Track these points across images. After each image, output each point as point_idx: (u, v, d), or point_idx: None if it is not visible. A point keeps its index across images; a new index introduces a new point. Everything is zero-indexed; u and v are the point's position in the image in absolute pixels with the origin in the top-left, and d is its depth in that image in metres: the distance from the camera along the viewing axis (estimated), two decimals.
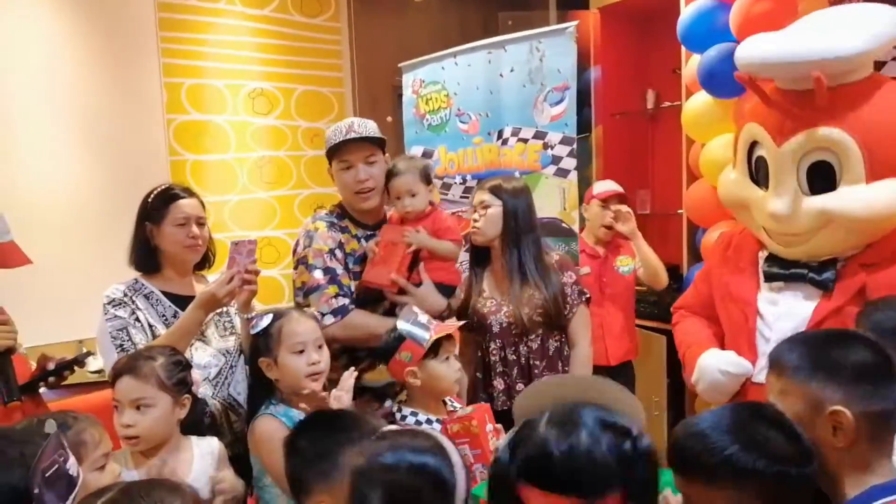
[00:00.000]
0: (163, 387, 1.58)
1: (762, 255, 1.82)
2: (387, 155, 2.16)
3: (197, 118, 3.59)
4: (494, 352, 2.09)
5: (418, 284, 2.08)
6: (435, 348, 1.76)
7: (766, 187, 1.75)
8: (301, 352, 1.70)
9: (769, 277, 1.77)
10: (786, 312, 1.73)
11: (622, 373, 2.87)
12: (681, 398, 3.11)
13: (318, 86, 4.00)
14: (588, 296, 2.18)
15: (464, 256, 2.96)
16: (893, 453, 1.12)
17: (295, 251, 2.13)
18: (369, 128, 2.10)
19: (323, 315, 1.98)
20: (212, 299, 1.81)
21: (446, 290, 2.14)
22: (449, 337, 1.80)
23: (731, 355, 1.78)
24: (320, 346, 1.74)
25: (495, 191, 2.11)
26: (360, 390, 2.06)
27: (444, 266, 2.14)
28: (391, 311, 2.09)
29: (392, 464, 1.00)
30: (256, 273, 1.89)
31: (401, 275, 2.04)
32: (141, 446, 1.57)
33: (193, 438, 1.69)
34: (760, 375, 1.72)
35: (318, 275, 2.02)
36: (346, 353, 2.08)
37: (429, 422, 1.77)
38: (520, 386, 2.04)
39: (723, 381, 1.76)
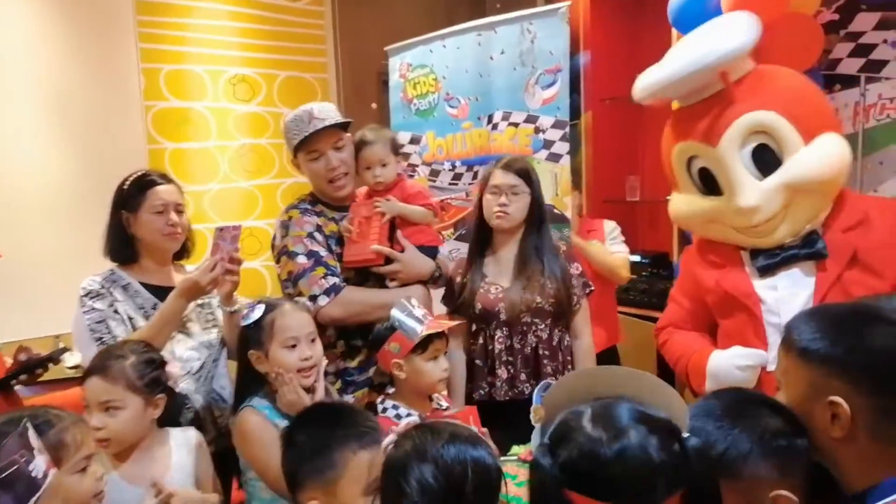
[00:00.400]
0: (133, 388, 1.51)
1: (744, 253, 1.82)
2: (350, 135, 2.12)
3: (176, 105, 3.50)
4: (500, 340, 2.02)
5: (401, 252, 2.06)
6: (424, 344, 1.74)
7: (720, 193, 1.79)
8: (293, 346, 1.66)
9: (763, 271, 1.77)
10: (788, 295, 1.72)
11: (607, 360, 2.84)
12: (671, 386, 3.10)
13: (301, 71, 3.91)
14: (592, 288, 2.14)
15: (454, 245, 2.91)
16: None
17: (273, 246, 2.08)
18: (331, 112, 2.05)
19: (316, 297, 1.93)
20: (194, 287, 1.76)
21: (429, 251, 2.12)
22: (441, 336, 1.78)
23: (740, 349, 1.75)
24: (313, 340, 1.71)
25: (525, 175, 2.02)
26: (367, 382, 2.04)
27: (422, 229, 2.11)
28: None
29: (455, 458, 0.97)
30: (239, 262, 1.84)
31: (382, 244, 2.01)
32: (112, 448, 1.51)
33: (171, 430, 1.65)
34: (775, 363, 1.68)
35: (302, 260, 1.97)
36: (343, 339, 2.03)
37: (409, 416, 1.76)
38: (523, 376, 1.99)
39: (742, 376, 1.71)
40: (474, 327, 2.05)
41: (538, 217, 2.04)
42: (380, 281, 2.06)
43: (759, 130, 1.72)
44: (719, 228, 1.85)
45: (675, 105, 1.96)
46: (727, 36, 1.73)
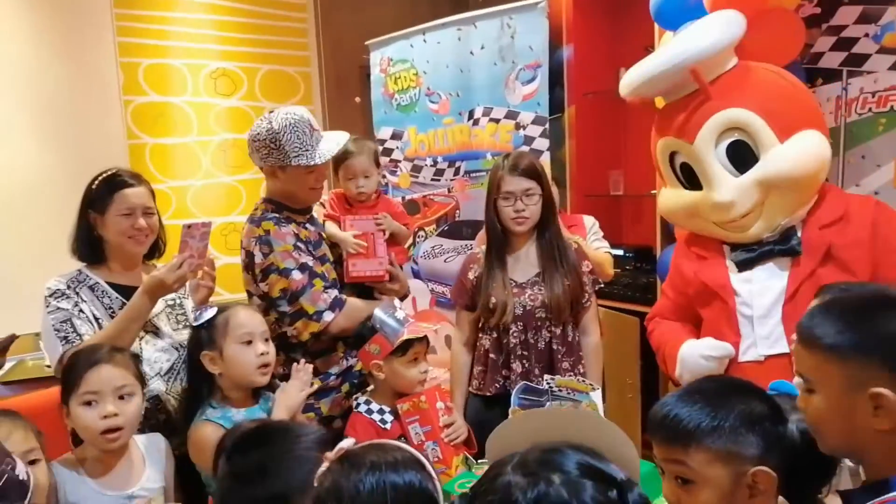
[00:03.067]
0: (136, 376, 1.55)
1: (726, 247, 1.86)
2: None
3: (156, 100, 3.45)
4: (515, 335, 2.03)
5: None
6: (404, 348, 1.77)
7: (700, 188, 1.82)
8: (249, 342, 1.66)
9: (741, 265, 1.81)
10: (762, 288, 1.76)
11: None
12: (654, 380, 3.10)
13: (283, 65, 3.86)
14: (601, 284, 2.20)
15: (437, 241, 2.90)
16: None
17: (252, 264, 1.93)
18: (316, 124, 1.98)
19: (321, 313, 1.89)
20: (160, 286, 1.73)
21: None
22: (422, 340, 1.81)
23: (710, 340, 1.81)
24: (267, 340, 1.71)
25: (535, 175, 2.03)
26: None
27: (401, 249, 2.23)
28: (366, 293, 2.09)
29: (373, 489, 0.91)
30: (203, 257, 1.82)
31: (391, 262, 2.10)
32: (123, 439, 1.50)
33: (136, 437, 1.61)
34: (746, 354, 1.77)
35: (297, 275, 1.89)
36: (341, 339, 2.01)
37: (381, 411, 1.82)
38: (537, 370, 2.01)
39: (707, 366, 1.78)
40: (489, 321, 2.06)
41: (550, 212, 2.06)
42: (356, 289, 2.06)
43: (734, 127, 1.74)
44: (700, 223, 1.88)
45: (659, 102, 1.97)
46: (699, 36, 1.76)
